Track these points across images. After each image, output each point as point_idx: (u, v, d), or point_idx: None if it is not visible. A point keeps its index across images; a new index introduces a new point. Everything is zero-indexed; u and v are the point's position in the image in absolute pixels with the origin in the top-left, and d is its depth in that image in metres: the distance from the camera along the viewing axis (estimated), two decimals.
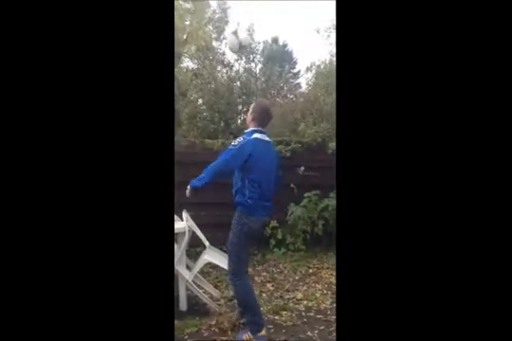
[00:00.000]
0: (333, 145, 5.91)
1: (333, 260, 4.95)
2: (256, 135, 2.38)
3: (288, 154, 5.56)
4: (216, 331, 2.55)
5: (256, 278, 3.99)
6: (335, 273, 4.35)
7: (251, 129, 2.44)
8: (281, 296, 3.40)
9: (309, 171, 5.83)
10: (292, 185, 5.60)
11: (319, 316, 2.89)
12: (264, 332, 2.38)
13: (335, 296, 3.47)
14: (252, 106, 2.53)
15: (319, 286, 3.79)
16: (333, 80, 6.91)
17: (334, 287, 3.74)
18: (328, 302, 3.26)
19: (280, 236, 5.21)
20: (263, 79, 8.58)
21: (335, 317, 2.87)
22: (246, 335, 2.37)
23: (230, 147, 2.33)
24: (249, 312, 2.40)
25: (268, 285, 3.77)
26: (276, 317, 2.85)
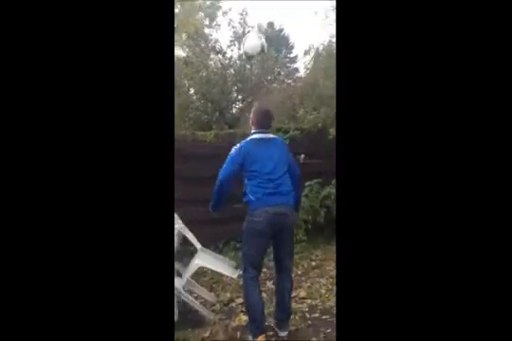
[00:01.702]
0: (334, 131, 5.64)
1: None
2: (254, 136, 2.43)
3: (287, 142, 5.30)
4: None
5: None
6: None
7: (252, 131, 2.50)
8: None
9: (310, 159, 5.58)
10: None
11: (324, 317, 2.66)
12: (262, 339, 2.20)
13: None
14: (252, 110, 2.61)
15: (323, 281, 3.56)
16: (333, 62, 6.57)
17: None
18: (334, 300, 3.02)
19: None
20: (258, 64, 8.25)
21: None
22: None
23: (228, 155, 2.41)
24: (249, 316, 2.30)
25: (269, 283, 3.53)
26: None
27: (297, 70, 11.36)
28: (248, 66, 7.13)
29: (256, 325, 2.23)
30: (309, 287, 3.38)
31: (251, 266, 2.30)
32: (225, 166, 2.34)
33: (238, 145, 2.39)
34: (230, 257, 4.36)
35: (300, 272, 3.91)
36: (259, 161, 2.31)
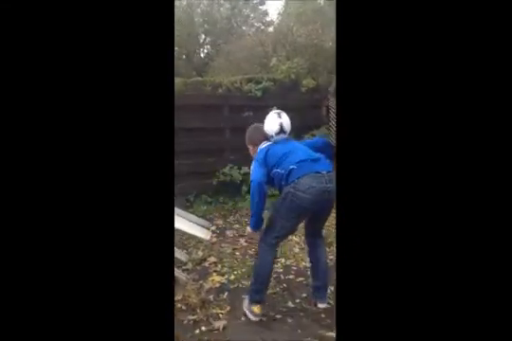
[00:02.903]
0: (307, 82, 5.42)
1: None
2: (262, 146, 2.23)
3: (259, 94, 5.05)
4: (183, 308, 2.20)
5: (228, 233, 3.69)
6: None
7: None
8: (256, 254, 3.11)
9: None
10: None
11: (299, 280, 2.64)
12: (257, 310, 2.09)
13: None
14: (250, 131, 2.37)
15: (296, 239, 3.53)
16: (306, 8, 6.21)
17: None
18: (307, 260, 3.00)
19: None
20: (227, 5, 7.67)
21: None
22: (245, 301, 2.17)
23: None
24: (255, 281, 2.13)
25: (241, 240, 3.47)
26: None
27: (266, 12, 10.73)
28: (217, 7, 6.62)
29: (260, 293, 2.11)
30: (282, 245, 3.33)
31: (278, 236, 2.13)
32: (253, 171, 2.11)
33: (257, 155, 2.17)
34: (202, 210, 4.27)
35: None
36: (285, 151, 2.10)
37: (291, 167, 2.00)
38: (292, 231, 2.22)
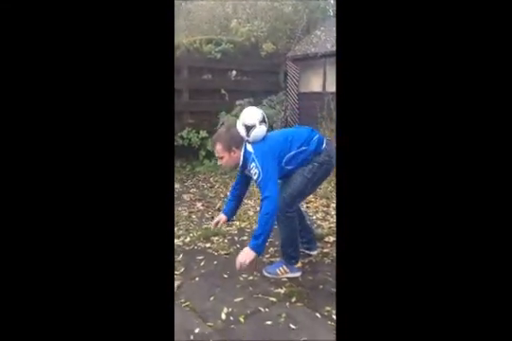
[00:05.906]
0: (267, 46, 5.38)
1: None
2: (249, 148, 2.08)
3: (219, 56, 4.98)
4: None
5: (185, 197, 3.75)
6: None
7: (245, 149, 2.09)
8: (212, 218, 3.21)
9: (241, 76, 5.36)
10: (223, 91, 5.15)
11: None
12: (300, 264, 2.29)
13: None
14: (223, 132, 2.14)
15: (251, 202, 3.64)
16: None
17: None
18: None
19: (210, 147, 4.90)
20: None
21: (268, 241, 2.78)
22: (281, 269, 2.26)
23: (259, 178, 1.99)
24: (291, 245, 2.24)
25: (198, 204, 3.55)
26: (207, 245, 2.66)
27: None
28: None
29: (298, 252, 2.28)
30: None
31: (301, 201, 2.32)
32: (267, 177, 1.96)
33: (256, 165, 1.99)
34: None
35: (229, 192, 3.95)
36: (286, 135, 2.16)
37: (316, 137, 2.13)
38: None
